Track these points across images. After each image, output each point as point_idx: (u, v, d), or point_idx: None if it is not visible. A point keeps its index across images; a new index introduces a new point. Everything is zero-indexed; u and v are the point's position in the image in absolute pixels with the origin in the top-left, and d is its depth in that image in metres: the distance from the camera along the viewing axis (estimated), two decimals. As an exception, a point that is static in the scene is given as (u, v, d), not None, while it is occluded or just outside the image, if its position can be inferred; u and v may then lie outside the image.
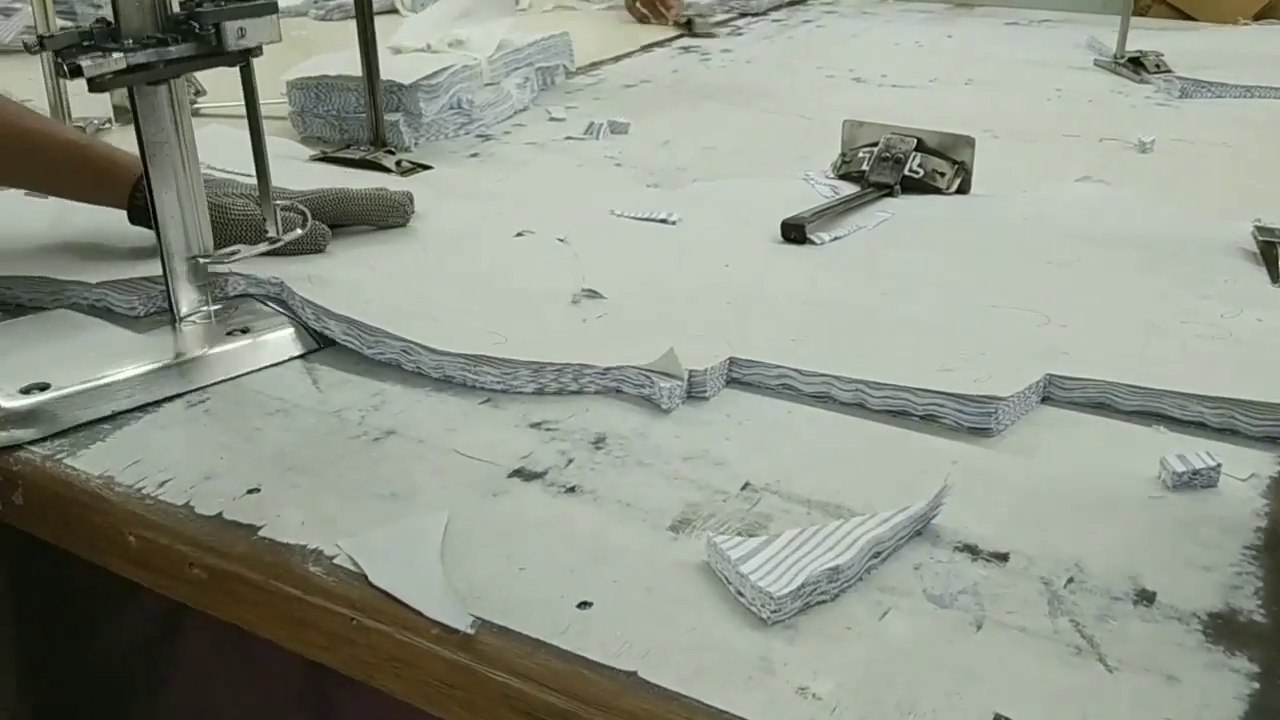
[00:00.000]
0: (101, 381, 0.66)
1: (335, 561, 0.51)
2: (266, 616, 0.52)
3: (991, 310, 0.72)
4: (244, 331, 0.72)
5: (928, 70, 1.44)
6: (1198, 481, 0.55)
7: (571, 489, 0.57)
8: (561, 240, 0.85)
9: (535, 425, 0.63)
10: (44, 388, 0.65)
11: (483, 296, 0.75)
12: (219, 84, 1.30)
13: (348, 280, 0.77)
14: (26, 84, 1.19)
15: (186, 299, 0.72)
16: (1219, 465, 0.56)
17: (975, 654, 0.45)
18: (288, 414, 0.64)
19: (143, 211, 0.77)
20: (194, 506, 0.56)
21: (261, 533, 0.54)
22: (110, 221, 0.81)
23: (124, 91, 1.23)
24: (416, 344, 0.68)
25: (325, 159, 1.07)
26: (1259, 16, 2.41)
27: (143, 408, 0.65)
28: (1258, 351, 0.67)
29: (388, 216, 0.86)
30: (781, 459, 0.59)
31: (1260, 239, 0.80)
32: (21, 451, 0.61)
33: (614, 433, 0.62)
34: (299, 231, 0.76)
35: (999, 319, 0.71)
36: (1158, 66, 1.36)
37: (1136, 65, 1.38)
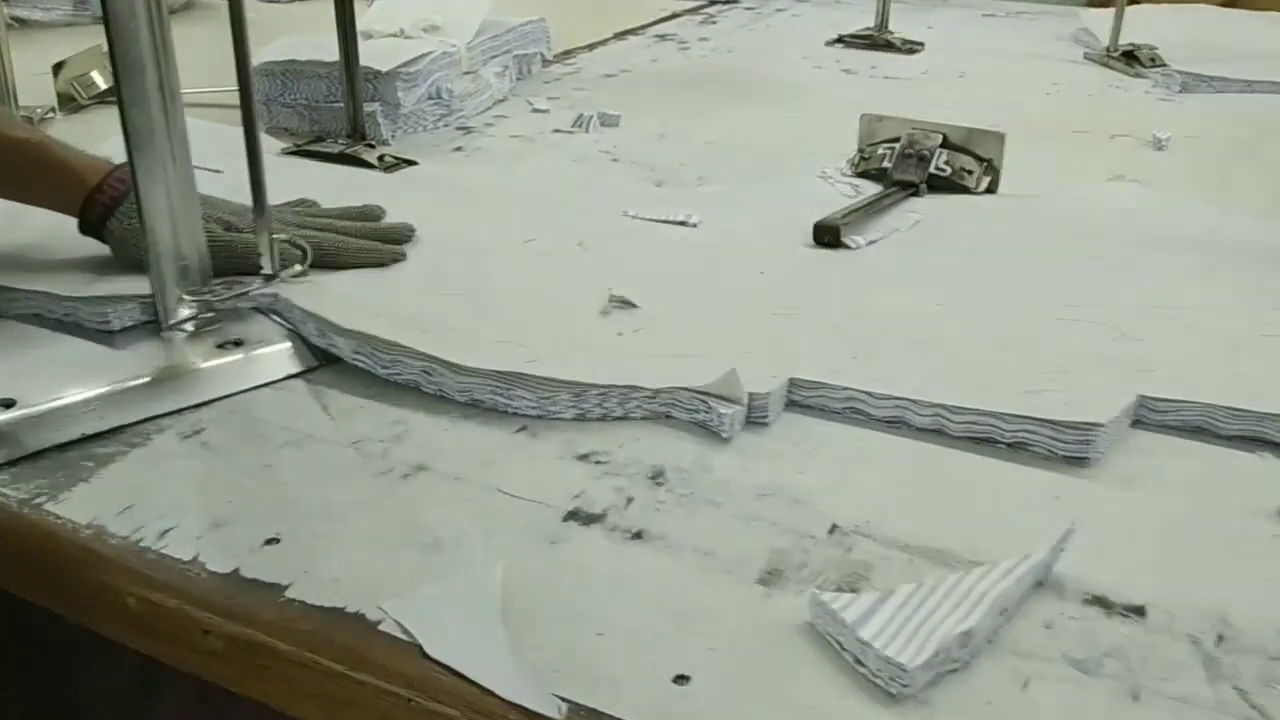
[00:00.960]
0: (74, 398, 0.58)
1: (381, 628, 0.44)
2: (301, 695, 0.44)
3: (1060, 323, 0.67)
4: (236, 344, 0.65)
5: (917, 62, 1.39)
6: (1324, 517, 0.51)
7: (638, 534, 0.50)
8: (580, 245, 0.78)
9: (582, 457, 0.56)
10: (8, 404, 0.58)
11: (503, 308, 0.68)
12: (188, 69, 1.20)
13: (348, 291, 0.69)
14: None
15: (173, 307, 0.64)
16: (1348, 499, 0.51)
17: (1139, 731, 0.40)
18: (299, 446, 0.57)
19: (94, 226, 0.70)
20: (204, 561, 0.48)
21: (289, 593, 0.46)
22: (67, 224, 0.72)
23: (69, 78, 1.14)
24: (440, 361, 0.61)
25: (299, 153, 0.98)
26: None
27: (130, 441, 0.57)
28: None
29: (385, 260, 0.74)
30: (866, 495, 0.53)
31: (1318, 243, 0.76)
32: (-9, 496, 0.52)
33: (672, 465, 0.55)
34: (299, 268, 0.69)
35: (1071, 333, 0.66)
36: (1153, 60, 1.33)
37: (1130, 59, 1.34)
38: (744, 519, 0.51)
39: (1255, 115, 1.17)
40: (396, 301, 0.68)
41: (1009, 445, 0.57)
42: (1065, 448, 0.56)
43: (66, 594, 0.49)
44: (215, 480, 0.54)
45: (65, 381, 0.60)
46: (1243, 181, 0.97)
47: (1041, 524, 0.50)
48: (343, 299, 0.67)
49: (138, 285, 0.68)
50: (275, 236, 0.67)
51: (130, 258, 0.69)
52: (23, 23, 1.52)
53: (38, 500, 0.52)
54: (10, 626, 0.61)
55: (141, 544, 0.49)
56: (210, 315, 0.66)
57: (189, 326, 0.65)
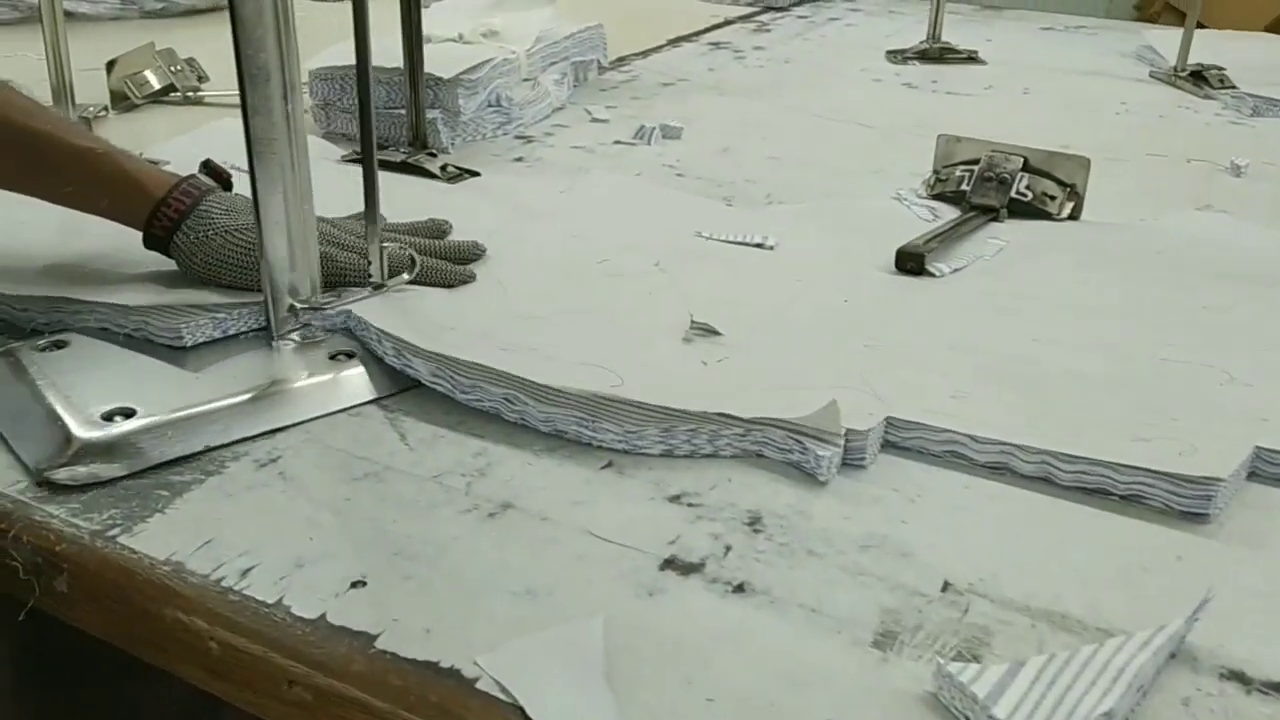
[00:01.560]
0: (194, 410, 0.57)
1: (478, 685, 0.42)
2: (395, 754, 0.42)
3: (1164, 364, 0.64)
4: (349, 356, 0.64)
5: (979, 77, 1.36)
6: None
7: (739, 587, 0.48)
8: (657, 265, 0.76)
9: (674, 499, 0.53)
10: (128, 414, 0.56)
11: (581, 331, 0.66)
12: (227, 71, 1.18)
13: (417, 307, 0.67)
14: (35, 63, 1.06)
15: (284, 318, 0.64)
16: None
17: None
18: (379, 479, 0.54)
19: (160, 239, 0.68)
20: (289, 605, 0.46)
21: (379, 643, 0.44)
22: (127, 234, 0.70)
23: (122, 76, 1.12)
24: (524, 385, 0.58)
25: (359, 160, 0.96)
26: (1269, 28, 2.38)
27: (205, 469, 0.55)
28: None
29: (453, 281, 0.72)
30: (976, 549, 0.50)
31: None
32: (65, 526, 0.50)
33: (769, 510, 0.53)
34: (405, 277, 0.67)
35: (1176, 375, 0.63)
36: (1221, 82, 1.30)
37: (1198, 79, 1.31)
38: (850, 572, 0.49)
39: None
40: (467, 319, 0.66)
41: (1121, 498, 0.54)
42: (1184, 502, 0.53)
43: (144, 635, 0.47)
44: (295, 514, 0.51)
45: (180, 393, 0.59)
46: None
47: (1165, 586, 0.48)
48: (413, 316, 0.65)
49: (202, 297, 0.67)
50: (384, 246, 0.67)
51: (196, 272, 0.68)
52: (70, 16, 1.50)
53: (111, 532, 0.50)
54: (60, 650, 0.59)
55: (223, 583, 0.47)
56: (319, 326, 0.65)
57: (296, 338, 0.64)
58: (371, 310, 0.65)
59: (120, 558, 0.49)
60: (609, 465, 0.56)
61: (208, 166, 0.72)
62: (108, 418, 0.56)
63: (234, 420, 0.58)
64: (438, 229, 0.78)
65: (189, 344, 0.64)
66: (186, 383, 0.60)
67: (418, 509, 0.52)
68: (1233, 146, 1.08)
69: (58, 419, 0.56)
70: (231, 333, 0.66)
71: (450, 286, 0.71)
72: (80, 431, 0.55)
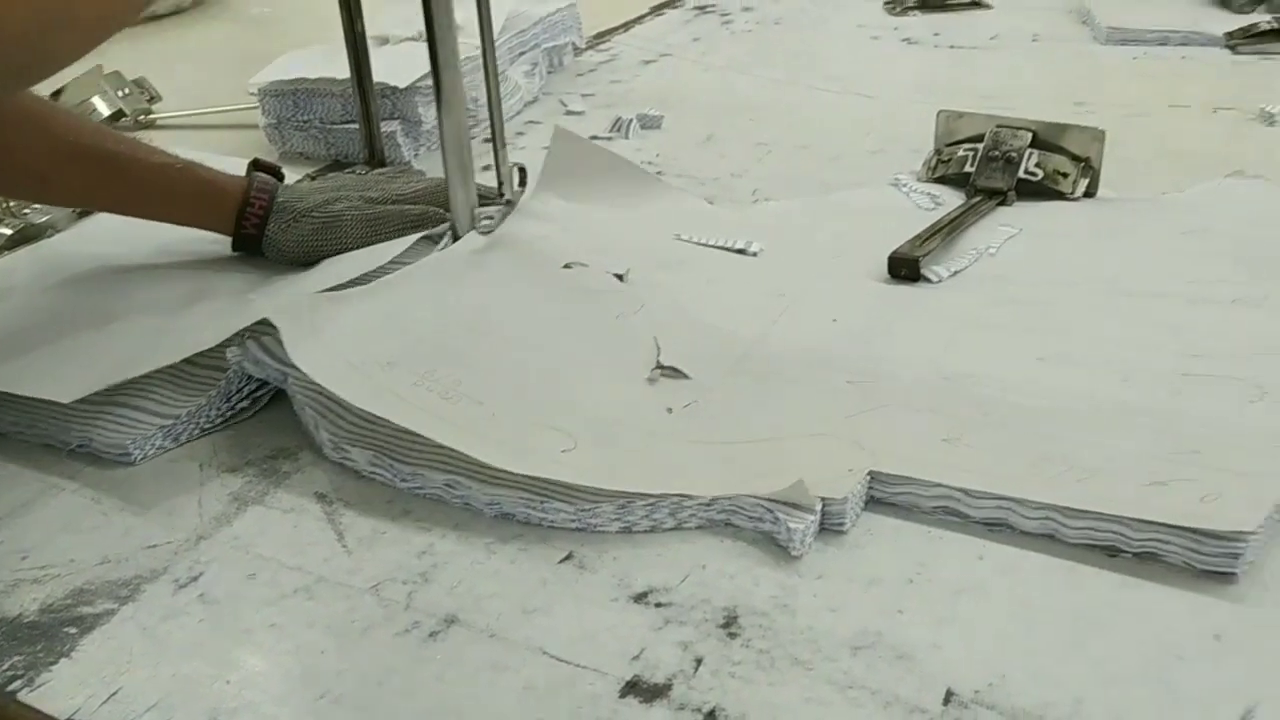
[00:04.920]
0: None
1: None
2: None
3: (1186, 381, 0.57)
4: None
5: (986, 25, 1.27)
6: None
7: (710, 715, 0.42)
8: (619, 277, 0.69)
9: (640, 598, 0.47)
10: None
11: (536, 371, 0.60)
12: (177, 89, 1.12)
13: (363, 355, 0.59)
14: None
15: (467, 222, 0.72)
16: None
17: None
18: (310, 594, 0.49)
19: (253, 238, 0.74)
20: (198, 775, 0.40)
21: (297, 823, 0.38)
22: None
23: (69, 106, 1.06)
24: (466, 468, 0.52)
25: (314, 180, 0.90)
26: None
27: (119, 594, 0.49)
28: None
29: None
30: (981, 643, 0.44)
31: None
32: (-43, 685, 0.45)
33: (747, 607, 0.47)
34: (519, 189, 0.76)
35: (1198, 393, 0.56)
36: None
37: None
38: (838, 686, 0.42)
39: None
40: (415, 348, 0.60)
41: (1136, 555, 0.47)
42: (1207, 560, 0.46)
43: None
44: (214, 650, 0.46)
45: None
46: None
47: (1203, 679, 0.41)
48: (348, 347, 0.58)
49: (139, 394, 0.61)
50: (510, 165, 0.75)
51: (290, 256, 0.73)
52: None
53: (12, 686, 0.45)
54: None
55: (125, 750, 0.42)
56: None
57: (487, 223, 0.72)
58: (304, 338, 0.58)
59: (22, 718, 0.44)
60: (568, 558, 0.50)
61: (258, 164, 0.77)
62: None
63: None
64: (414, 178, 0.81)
65: (137, 460, 0.58)
66: None
67: (351, 633, 0.46)
68: (1267, 91, 0.99)
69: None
70: (184, 439, 0.60)
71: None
72: None
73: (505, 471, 0.52)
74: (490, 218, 0.73)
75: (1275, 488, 0.48)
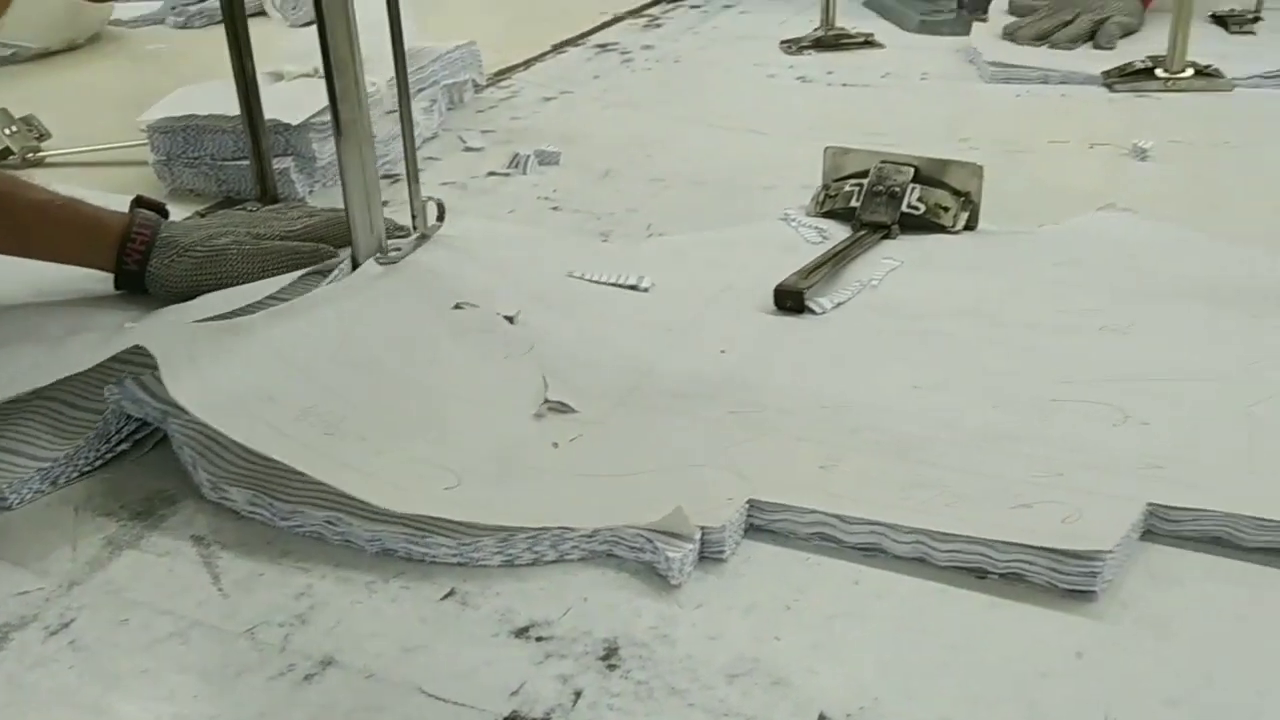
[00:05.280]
0: None
1: None
2: None
3: (1053, 405, 0.59)
4: None
5: (877, 64, 1.30)
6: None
7: (588, 746, 0.42)
8: (509, 319, 0.69)
9: (521, 633, 0.47)
10: None
11: (422, 410, 0.59)
12: (67, 126, 1.10)
13: (244, 388, 0.59)
14: None
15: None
16: None
17: None
18: (184, 639, 0.48)
19: (134, 274, 0.72)
20: (58, 830, 0.39)
21: None
22: None
23: None
24: (347, 505, 0.52)
25: (203, 217, 0.88)
26: None
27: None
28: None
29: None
30: (853, 666, 0.45)
31: (1341, 285, 0.69)
32: None
33: (628, 638, 0.47)
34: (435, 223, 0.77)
35: (1065, 418, 0.58)
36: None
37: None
38: (714, 714, 0.43)
39: (1242, 112, 1.09)
40: (297, 383, 0.59)
41: (1002, 576, 0.49)
42: (1068, 579, 0.48)
43: None
44: (82, 703, 0.45)
45: None
46: (1247, 198, 0.89)
47: (1066, 695, 0.43)
48: (228, 381, 0.58)
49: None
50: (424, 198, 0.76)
51: (173, 292, 0.72)
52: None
53: None
54: None
55: (-19, 807, 0.40)
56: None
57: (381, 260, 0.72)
58: (182, 371, 0.57)
59: None
60: (450, 594, 0.50)
61: (141, 201, 0.76)
62: None
63: None
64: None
65: (14, 505, 0.56)
66: None
67: (224, 678, 0.45)
68: (1141, 126, 1.04)
69: None
70: (62, 482, 0.58)
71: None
72: None
73: (386, 512, 0.51)
74: (399, 249, 0.74)
75: (1133, 509, 0.50)
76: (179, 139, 0.96)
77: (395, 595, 0.50)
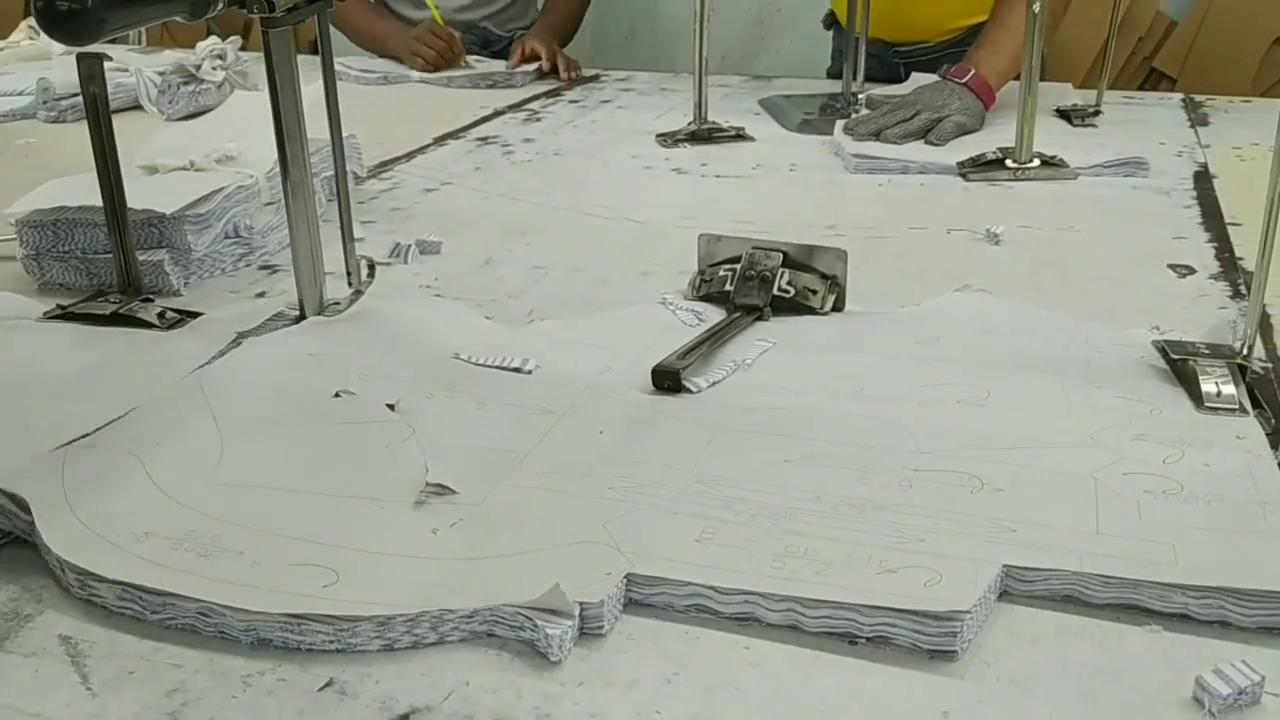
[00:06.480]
0: None
1: None
2: None
3: (915, 475, 0.62)
4: None
5: (748, 156, 1.36)
6: (1243, 700, 0.46)
7: (469, 829, 0.42)
8: (391, 407, 0.70)
9: None
10: None
11: (298, 513, 0.59)
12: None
13: (120, 528, 0.57)
14: None
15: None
16: (1263, 679, 0.46)
17: None
18: (47, 745, 0.46)
19: None
20: None
21: None
22: None
23: None
24: (217, 603, 0.51)
25: (65, 315, 0.87)
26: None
27: None
28: (1217, 510, 0.58)
29: None
30: (735, 737, 0.46)
31: (1172, 355, 0.74)
32: None
33: (509, 719, 0.47)
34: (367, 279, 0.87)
35: (925, 486, 0.61)
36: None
37: (956, 141, 1.34)
38: (595, 790, 0.43)
39: (1085, 199, 1.17)
40: (172, 512, 0.58)
41: (869, 639, 0.51)
42: (930, 640, 0.50)
43: None
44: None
45: None
46: (1090, 279, 0.95)
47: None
48: (102, 523, 0.57)
49: None
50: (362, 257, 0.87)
51: None
52: None
53: None
54: None
55: None
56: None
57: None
58: (54, 522, 0.57)
59: None
60: (329, 684, 0.49)
61: None
62: None
63: None
64: None
65: None
66: None
67: (90, 781, 0.44)
68: (994, 212, 1.10)
69: None
70: None
71: None
72: None
73: (262, 614, 0.51)
74: (338, 303, 0.83)
75: (989, 570, 0.53)
76: (48, 233, 0.94)
77: (271, 688, 0.49)
